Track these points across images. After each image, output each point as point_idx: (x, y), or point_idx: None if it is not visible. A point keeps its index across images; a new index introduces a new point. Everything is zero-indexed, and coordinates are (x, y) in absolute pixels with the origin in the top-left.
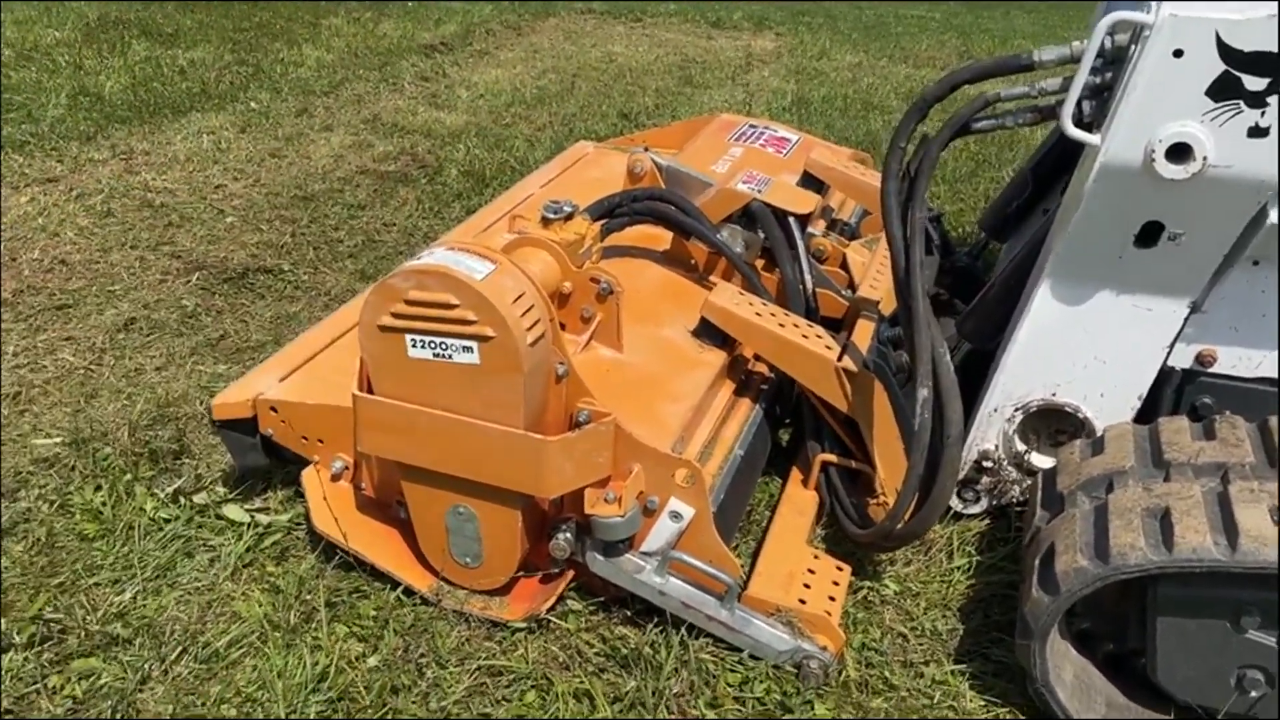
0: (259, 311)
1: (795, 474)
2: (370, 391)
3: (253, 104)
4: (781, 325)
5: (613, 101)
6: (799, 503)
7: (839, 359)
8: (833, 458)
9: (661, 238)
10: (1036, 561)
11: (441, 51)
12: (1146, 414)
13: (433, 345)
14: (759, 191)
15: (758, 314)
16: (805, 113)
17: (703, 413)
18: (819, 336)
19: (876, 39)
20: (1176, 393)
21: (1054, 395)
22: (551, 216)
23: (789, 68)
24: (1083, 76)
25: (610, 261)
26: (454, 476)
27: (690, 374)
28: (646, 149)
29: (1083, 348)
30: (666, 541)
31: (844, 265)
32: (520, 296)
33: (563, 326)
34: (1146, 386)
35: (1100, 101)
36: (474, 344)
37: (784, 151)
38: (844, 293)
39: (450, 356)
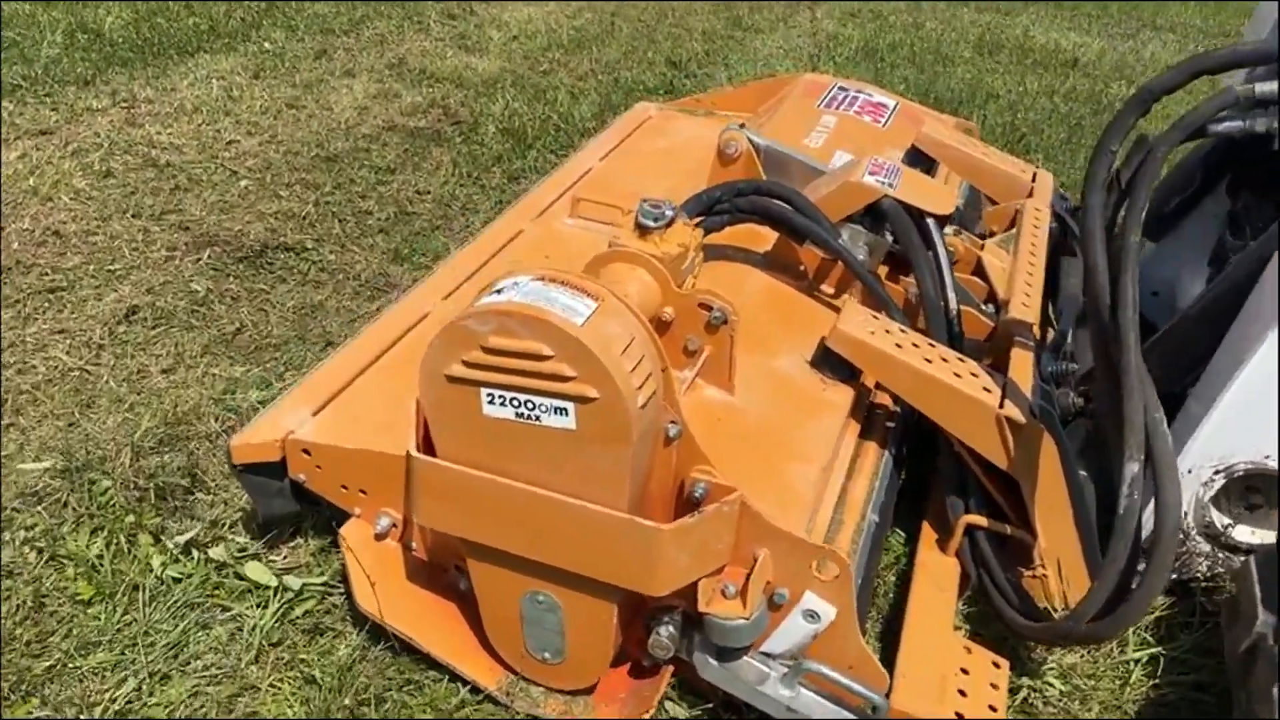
0: (280, 299)
1: (928, 533)
2: (430, 452)
3: (266, 44)
4: (928, 360)
5: (658, 47)
6: (938, 574)
7: (1000, 405)
8: (982, 521)
9: (761, 234)
10: (1263, 683)
11: None
12: None
13: (516, 404)
14: (891, 186)
15: (898, 344)
16: (876, 65)
17: (830, 469)
18: (974, 375)
19: None
20: None
21: (1268, 459)
22: (651, 225)
23: (843, 9)
24: None
25: (704, 267)
26: (534, 560)
27: (816, 420)
28: (743, 125)
29: None
30: (797, 644)
31: (979, 271)
32: (630, 345)
33: None
34: None
35: None
36: (570, 405)
37: (883, 120)
38: (986, 309)
39: (538, 418)
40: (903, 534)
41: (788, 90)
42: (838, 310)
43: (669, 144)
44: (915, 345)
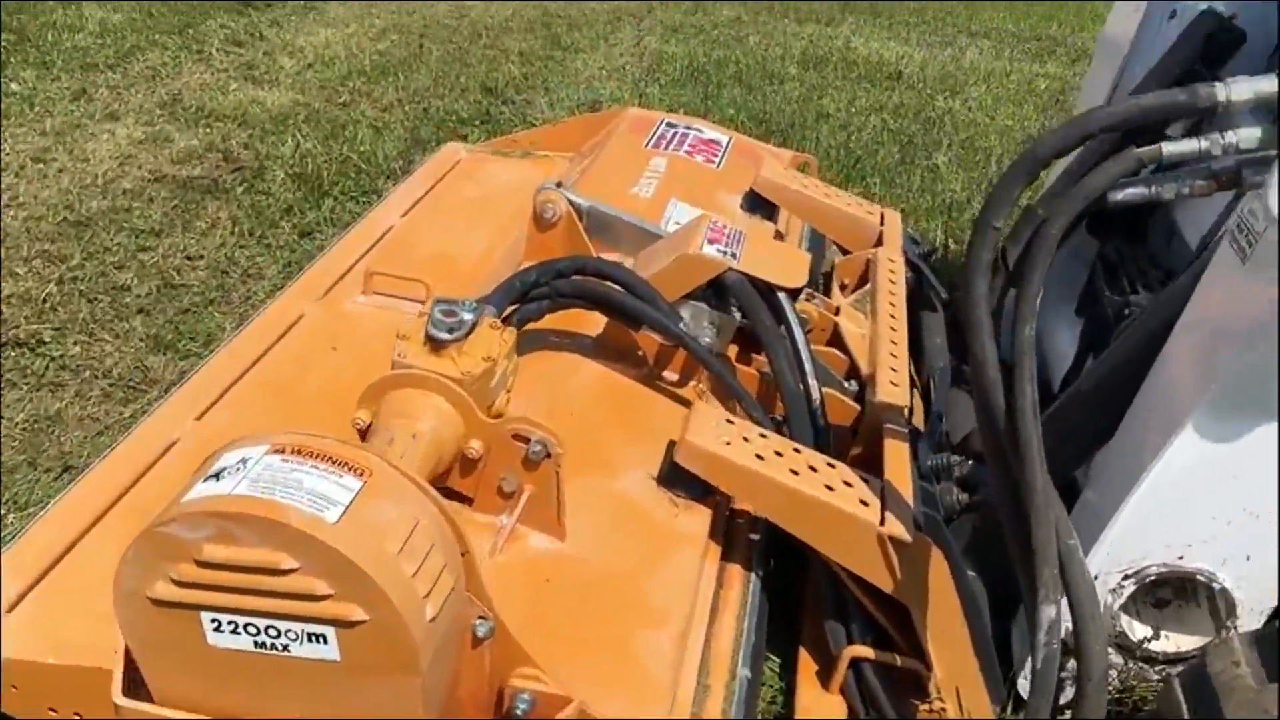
0: (8, 411)
1: (806, 664)
2: (140, 695)
3: (13, 85)
4: (795, 471)
5: (472, 71)
6: (821, 716)
7: (881, 521)
8: (868, 652)
9: (590, 314)
10: None
11: (258, 7)
12: None
13: (253, 630)
14: (734, 257)
15: (758, 455)
16: (704, 85)
17: (690, 628)
18: (847, 484)
19: None
20: None
21: (1181, 559)
22: (446, 337)
23: (664, 23)
24: None
25: (522, 358)
26: None
27: (669, 560)
28: (559, 184)
29: (1230, 498)
30: None
31: (836, 339)
32: (411, 536)
33: (469, 502)
34: None
35: None
36: (329, 630)
37: (717, 160)
38: (849, 387)
39: (285, 648)
40: (777, 661)
41: (612, 126)
42: (686, 403)
43: (482, 192)
44: (779, 453)
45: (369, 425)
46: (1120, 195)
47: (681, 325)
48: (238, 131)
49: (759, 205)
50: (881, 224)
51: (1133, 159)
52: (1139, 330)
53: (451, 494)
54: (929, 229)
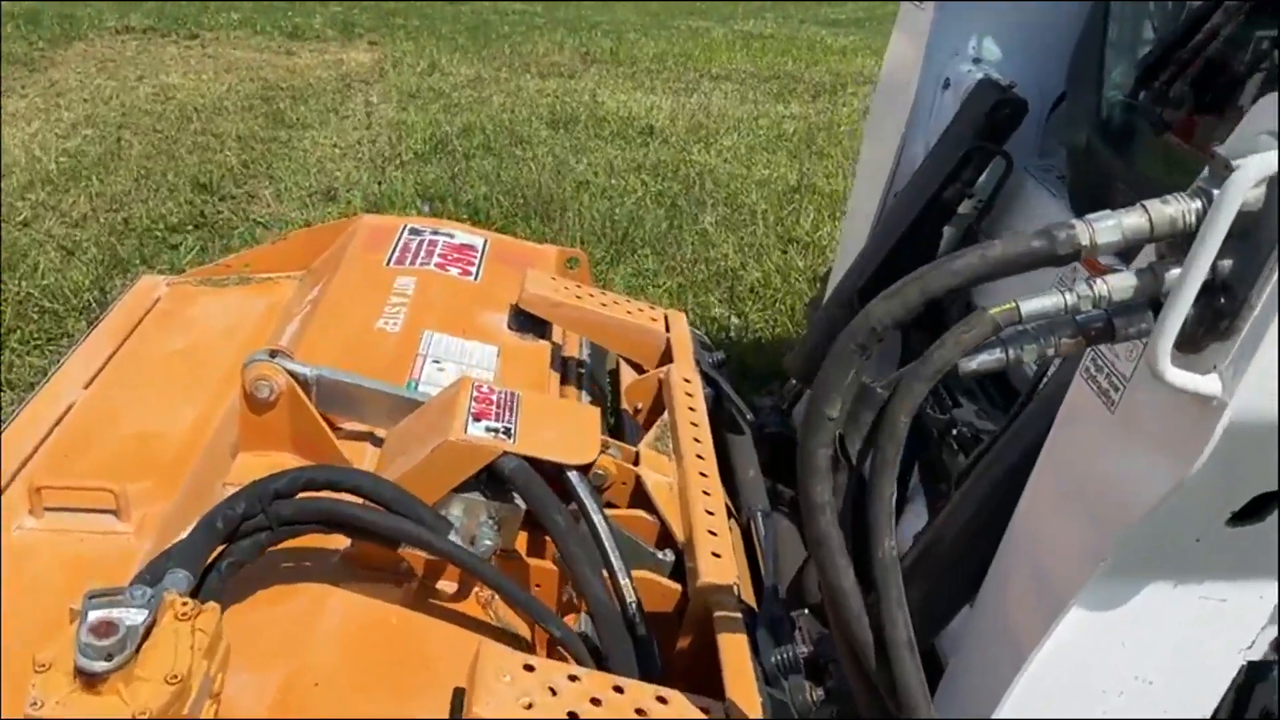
0: None
1: None
2: None
3: None
4: None
5: (181, 164)
6: None
7: None
8: None
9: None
10: None
11: None
12: None
13: None
14: (508, 434)
15: (571, 713)
16: (451, 160)
17: None
18: None
19: (486, 43)
20: (1240, 697)
21: None
22: (103, 667)
23: (399, 88)
24: (1196, 281)
25: (242, 605)
26: None
27: None
28: (275, 353)
29: (1120, 666)
30: None
31: (640, 496)
32: None
33: None
34: (1210, 709)
35: (1210, 314)
36: None
37: (474, 270)
38: (664, 558)
39: None
40: None
41: (344, 240)
42: (471, 622)
43: (189, 340)
44: (596, 701)
45: None
46: (973, 364)
47: (452, 533)
48: None
49: (528, 323)
50: (668, 330)
51: (989, 323)
52: (985, 483)
53: None
54: (710, 303)
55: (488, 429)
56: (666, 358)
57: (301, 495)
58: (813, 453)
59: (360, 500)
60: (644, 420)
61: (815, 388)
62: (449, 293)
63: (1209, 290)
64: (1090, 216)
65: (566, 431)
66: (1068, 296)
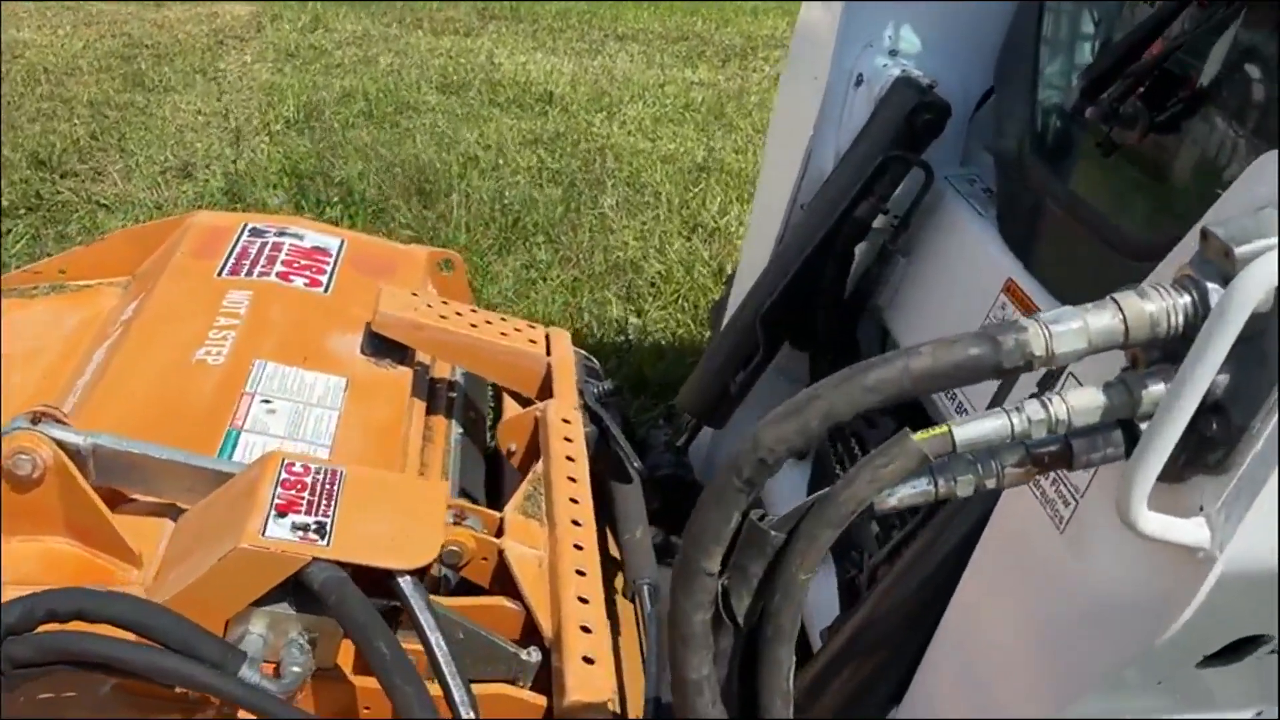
0: None
1: None
2: None
3: None
4: None
5: (21, 135)
6: None
7: None
8: None
9: None
10: None
11: None
12: None
13: None
14: (320, 532)
15: None
16: (325, 130)
17: None
18: None
19: None
20: None
21: None
22: None
23: (277, 47)
24: (1186, 410)
25: None
26: None
27: None
28: (39, 419)
29: None
30: None
31: (502, 577)
32: None
33: None
34: None
35: (1197, 442)
36: None
37: (324, 280)
38: (528, 658)
39: None
40: None
41: (173, 242)
42: None
43: None
44: None
45: None
46: (893, 499)
47: (246, 665)
48: None
49: (385, 346)
50: (548, 354)
51: (913, 455)
52: (912, 576)
53: None
54: (607, 300)
55: (295, 527)
56: (548, 387)
57: (46, 629)
58: (687, 617)
59: (124, 644)
60: (519, 462)
61: (688, 534)
62: (291, 310)
63: (1197, 410)
64: (1046, 316)
65: (400, 523)
66: (1015, 420)
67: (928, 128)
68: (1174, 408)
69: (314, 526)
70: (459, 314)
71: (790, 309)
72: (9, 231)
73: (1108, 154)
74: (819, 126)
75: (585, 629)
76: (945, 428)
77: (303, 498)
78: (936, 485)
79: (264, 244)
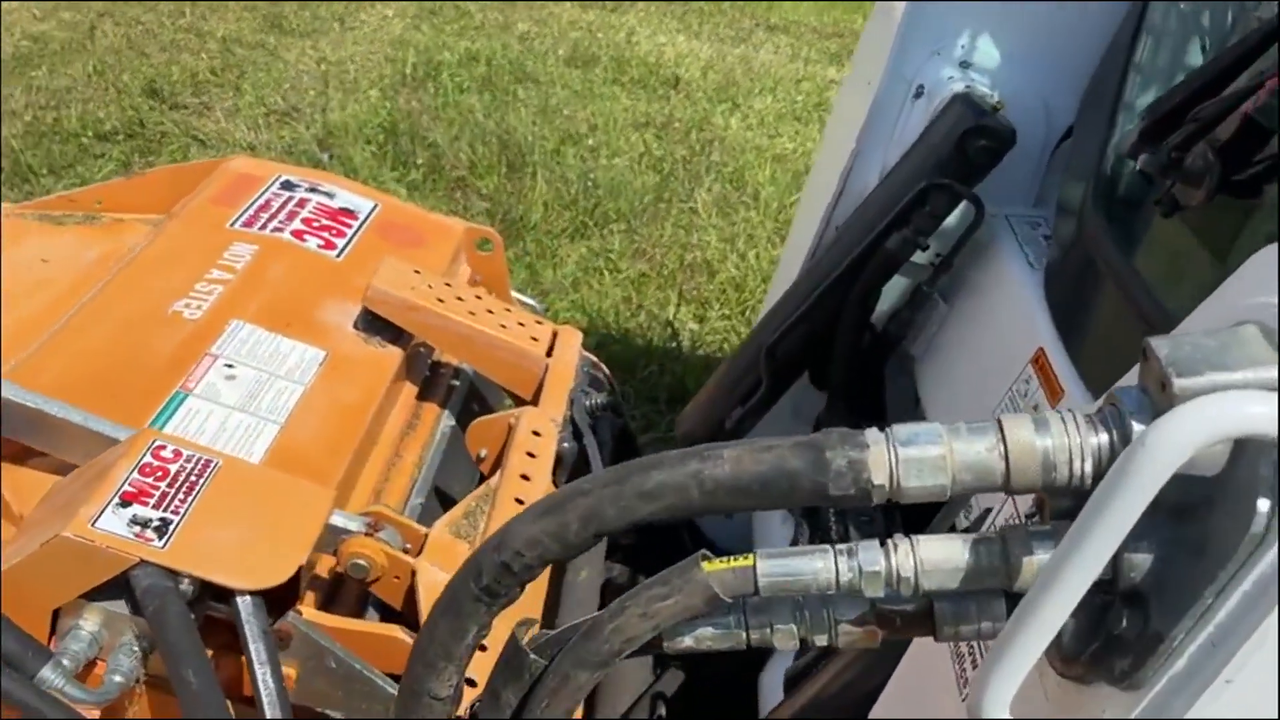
0: None
1: None
2: None
3: None
4: None
5: (145, 64)
6: None
7: None
8: None
9: None
10: None
11: None
12: None
13: None
14: (161, 530)
15: None
16: (434, 89)
17: None
18: None
19: None
20: None
21: None
22: None
23: (421, 3)
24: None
25: None
26: None
27: None
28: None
29: None
30: None
31: (409, 603)
32: None
33: None
34: None
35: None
36: None
37: (341, 244)
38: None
39: None
40: None
41: (204, 185)
42: None
43: None
44: None
45: None
46: (688, 640)
47: (49, 666)
48: None
49: (379, 324)
50: (549, 354)
51: (698, 591)
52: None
53: None
54: (668, 300)
55: (133, 521)
56: (538, 395)
57: None
58: None
59: None
60: (489, 470)
61: (416, 648)
62: (293, 271)
63: (1107, 588)
64: (901, 433)
65: (259, 533)
66: (843, 565)
67: (983, 155)
68: (1042, 597)
69: (155, 523)
70: (460, 299)
71: (800, 345)
72: (102, 155)
73: (1167, 214)
74: (866, 139)
75: (471, 682)
76: (750, 558)
77: (157, 488)
78: (747, 631)
79: (290, 198)
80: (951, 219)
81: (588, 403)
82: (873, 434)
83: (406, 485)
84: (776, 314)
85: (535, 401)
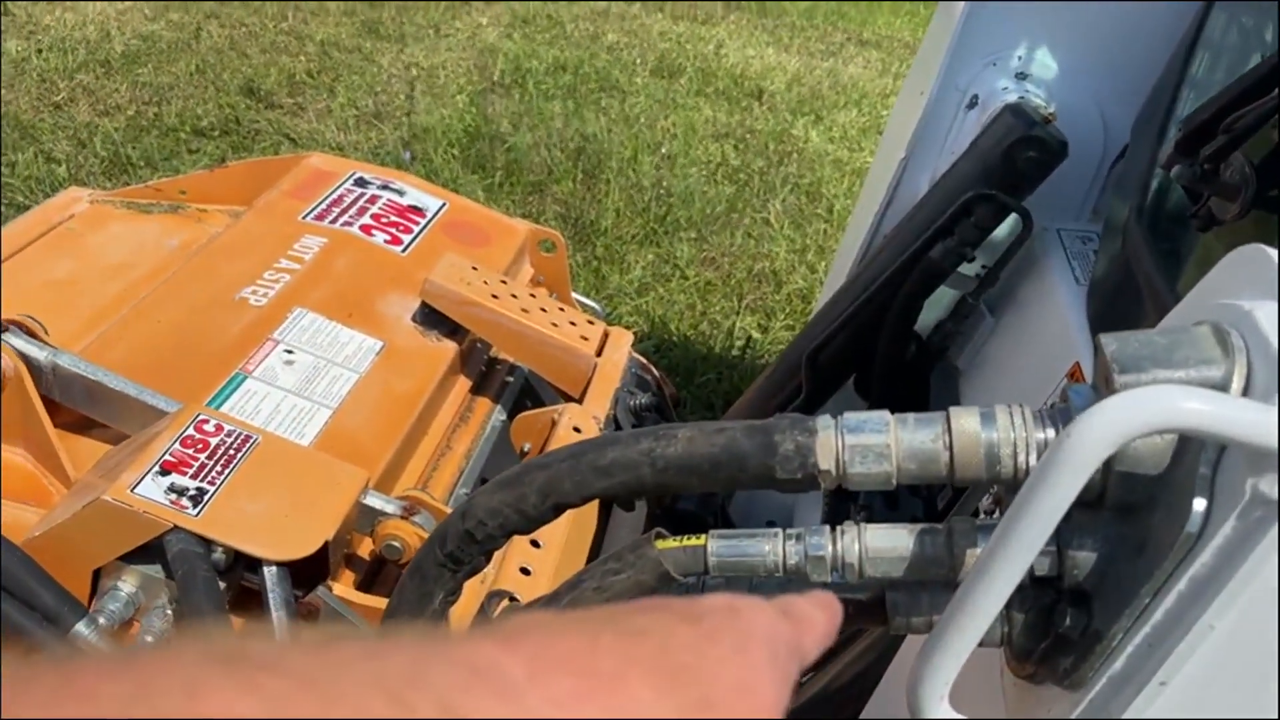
0: None
1: None
2: None
3: None
4: None
5: (245, 64)
6: None
7: None
8: None
9: None
10: None
11: None
12: None
13: None
14: (195, 499)
15: None
16: (521, 95)
17: None
18: None
19: None
20: None
21: None
22: None
23: (514, 11)
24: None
25: None
26: None
27: None
28: (7, 329)
29: None
30: None
31: None
32: None
33: None
34: None
35: (1050, 632)
36: None
37: (409, 239)
38: None
39: None
40: None
41: (280, 178)
42: None
43: (70, 272)
44: None
45: None
46: None
47: (84, 622)
48: None
49: (436, 318)
50: (599, 354)
51: (649, 568)
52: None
53: None
54: (731, 310)
55: (171, 489)
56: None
57: None
58: None
59: None
60: None
61: (386, 612)
62: (358, 264)
63: (1048, 584)
64: (849, 420)
65: (291, 507)
66: (790, 550)
67: (1032, 167)
68: (974, 589)
69: (192, 492)
70: (514, 295)
71: (842, 353)
72: (197, 150)
73: (1204, 229)
74: (917, 147)
75: None
76: (702, 538)
77: (197, 459)
78: None
79: (361, 194)
80: (1000, 231)
81: (632, 403)
82: (824, 420)
83: (454, 475)
84: (821, 320)
85: (582, 400)
